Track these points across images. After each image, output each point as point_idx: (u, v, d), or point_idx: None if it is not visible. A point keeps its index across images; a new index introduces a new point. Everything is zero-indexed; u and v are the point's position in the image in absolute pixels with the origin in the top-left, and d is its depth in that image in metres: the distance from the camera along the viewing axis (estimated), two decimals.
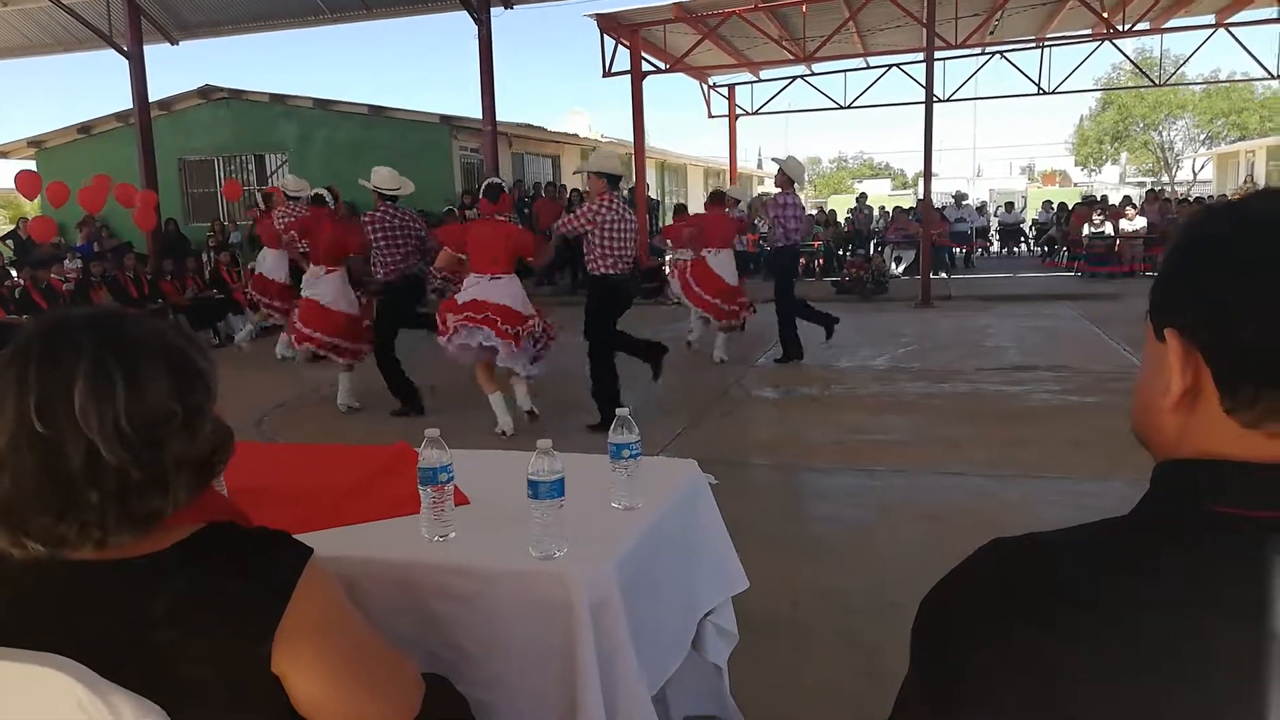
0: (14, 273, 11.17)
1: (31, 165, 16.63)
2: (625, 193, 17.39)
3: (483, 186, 6.21)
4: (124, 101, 14.26)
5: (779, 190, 8.29)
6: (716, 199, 8.90)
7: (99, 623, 1.02)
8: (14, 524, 0.98)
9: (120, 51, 13.83)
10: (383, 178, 6.48)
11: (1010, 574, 0.69)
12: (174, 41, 15.02)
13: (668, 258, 9.23)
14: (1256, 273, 0.64)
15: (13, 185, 12.04)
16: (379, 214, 6.44)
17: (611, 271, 5.76)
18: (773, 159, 8.54)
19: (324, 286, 6.71)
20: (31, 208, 15.88)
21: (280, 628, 1.03)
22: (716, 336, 8.64)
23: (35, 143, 18.02)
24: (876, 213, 19.60)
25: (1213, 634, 0.60)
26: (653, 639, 1.70)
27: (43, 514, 0.97)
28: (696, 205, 18.55)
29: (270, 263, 9.23)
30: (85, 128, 17.68)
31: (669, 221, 21.24)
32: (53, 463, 0.97)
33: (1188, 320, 0.68)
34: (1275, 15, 15.16)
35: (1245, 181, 24.97)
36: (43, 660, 0.98)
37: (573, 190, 16.23)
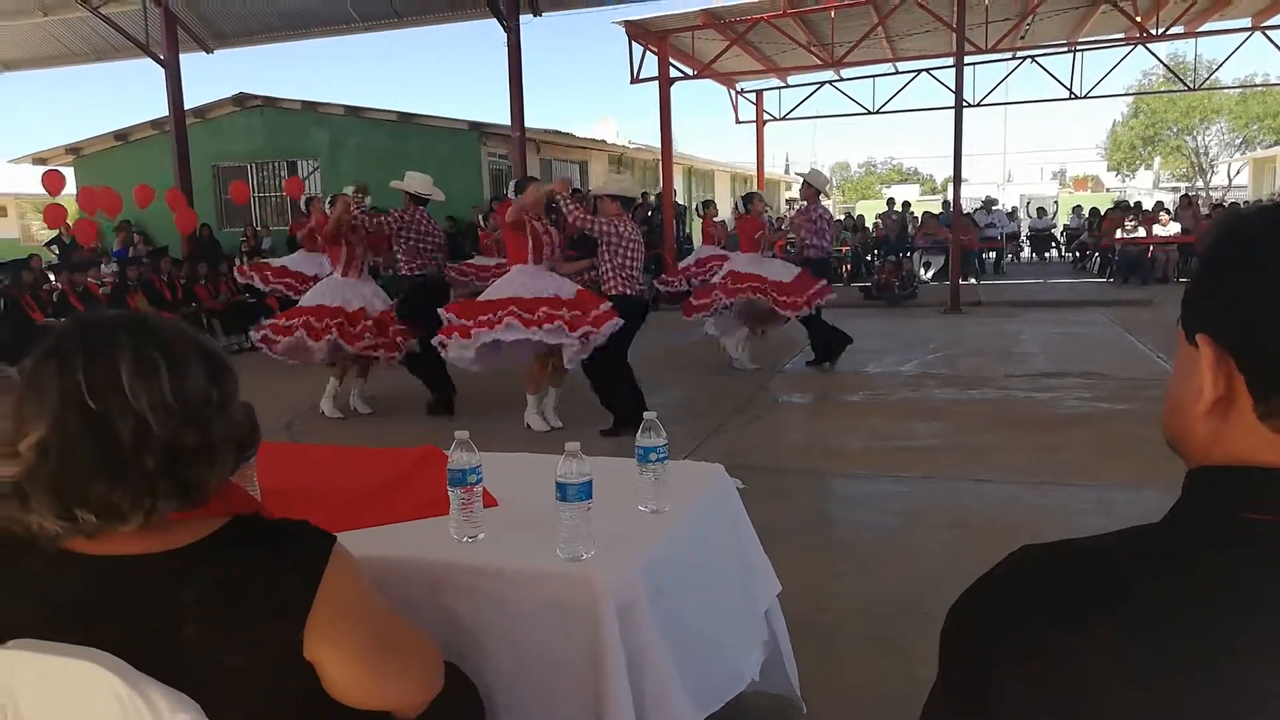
0: (52, 277, 11.38)
1: (70, 172, 16.95)
2: (653, 199, 17.49)
3: (514, 184, 6.34)
4: (160, 109, 14.50)
5: (805, 203, 8.30)
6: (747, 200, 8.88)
7: (131, 617, 1.04)
8: (67, 496, 1.01)
9: (157, 60, 14.06)
10: (418, 182, 6.71)
11: (1040, 580, 0.69)
12: (209, 50, 15.24)
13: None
14: None
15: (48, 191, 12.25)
16: (408, 215, 6.63)
17: (628, 291, 5.90)
18: (797, 173, 8.54)
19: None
20: (72, 213, 16.16)
21: (311, 613, 1.06)
22: (738, 338, 8.55)
23: (73, 150, 18.34)
24: (910, 218, 19.40)
25: (1249, 639, 0.59)
26: (688, 642, 1.70)
27: (98, 483, 1.01)
28: (723, 210, 18.54)
29: (299, 260, 9.45)
30: (122, 135, 17.97)
31: (697, 226, 21.29)
32: (105, 437, 1.01)
33: (1220, 326, 0.67)
34: None
35: None
36: (81, 654, 1.00)
37: (643, 195, 16.26)
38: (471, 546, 1.70)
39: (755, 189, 17.39)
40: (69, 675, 1.00)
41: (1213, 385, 0.68)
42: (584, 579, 1.56)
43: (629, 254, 5.85)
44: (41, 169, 19.22)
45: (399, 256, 6.76)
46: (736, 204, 9.79)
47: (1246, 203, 19.59)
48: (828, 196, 8.47)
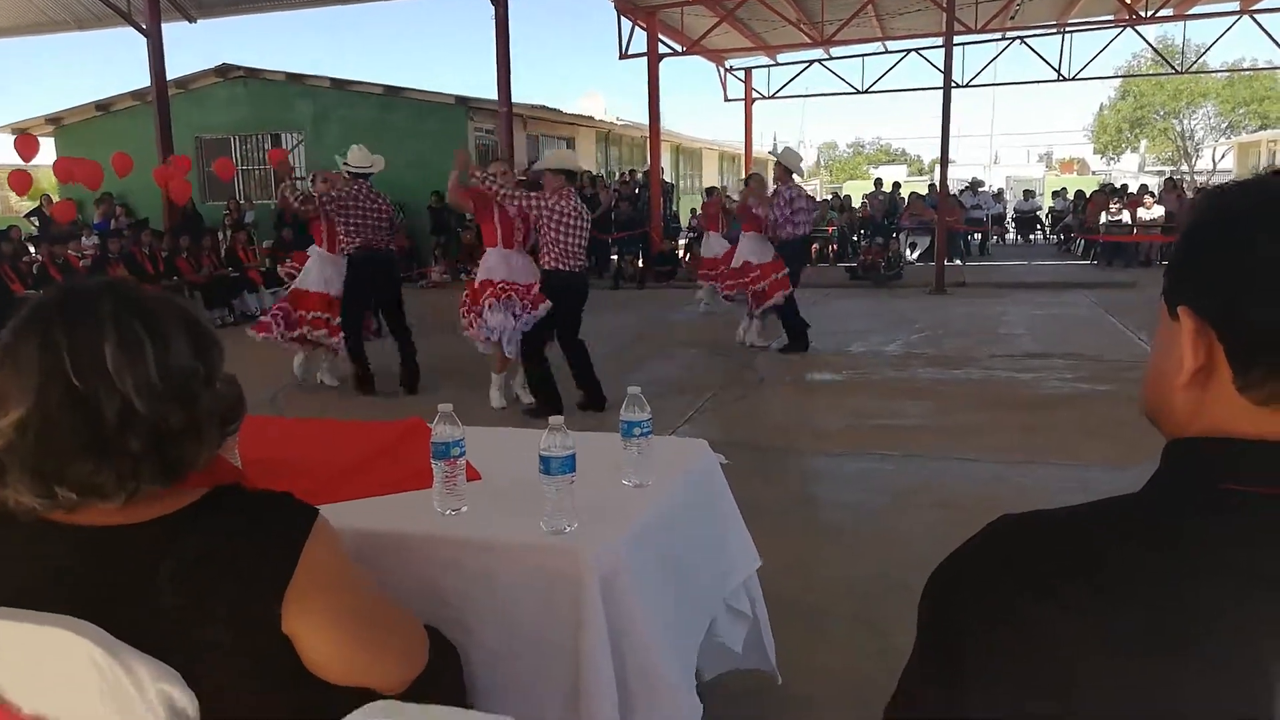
0: (32, 249, 11.25)
1: (50, 142, 16.73)
2: (640, 176, 17.42)
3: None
4: (142, 79, 14.28)
5: (778, 184, 8.05)
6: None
7: (111, 587, 1.04)
8: (47, 474, 1.00)
9: (139, 29, 13.84)
10: (355, 156, 6.68)
11: (1014, 548, 0.69)
12: (192, 20, 15.01)
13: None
14: (1269, 253, 0.63)
15: (34, 163, 12.06)
16: (347, 190, 6.58)
17: (561, 267, 5.64)
18: (769, 153, 8.37)
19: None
20: (49, 185, 15.92)
21: (290, 586, 1.05)
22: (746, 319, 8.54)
23: (54, 120, 18.09)
24: (899, 196, 19.36)
25: (1230, 610, 0.59)
26: (671, 616, 1.71)
27: (81, 462, 1.00)
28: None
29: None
30: (103, 105, 17.74)
31: (690, 205, 21.19)
32: (89, 416, 1.00)
33: (1202, 298, 0.67)
34: None
35: (1267, 170, 24.66)
36: (58, 622, 1.00)
37: (584, 172, 16.20)
38: (455, 519, 1.70)
39: (743, 169, 17.30)
40: (48, 643, 0.99)
41: (1193, 356, 0.68)
42: (567, 552, 1.56)
43: (568, 230, 5.61)
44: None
45: (340, 235, 6.70)
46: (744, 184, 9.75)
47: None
48: (801, 176, 8.29)
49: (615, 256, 15.16)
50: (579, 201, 5.74)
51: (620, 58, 15.57)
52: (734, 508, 2.13)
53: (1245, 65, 30.39)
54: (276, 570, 1.06)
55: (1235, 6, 16.23)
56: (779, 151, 8.29)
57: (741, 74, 20.65)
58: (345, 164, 6.68)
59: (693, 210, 18.95)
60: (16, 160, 11.33)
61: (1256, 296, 0.64)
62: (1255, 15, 15.82)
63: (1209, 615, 0.60)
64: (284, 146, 17.30)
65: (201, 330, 1.10)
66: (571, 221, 5.61)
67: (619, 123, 22.76)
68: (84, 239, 12.34)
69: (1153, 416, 0.76)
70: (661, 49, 15.66)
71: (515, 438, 2.17)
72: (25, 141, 11.70)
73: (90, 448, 1.00)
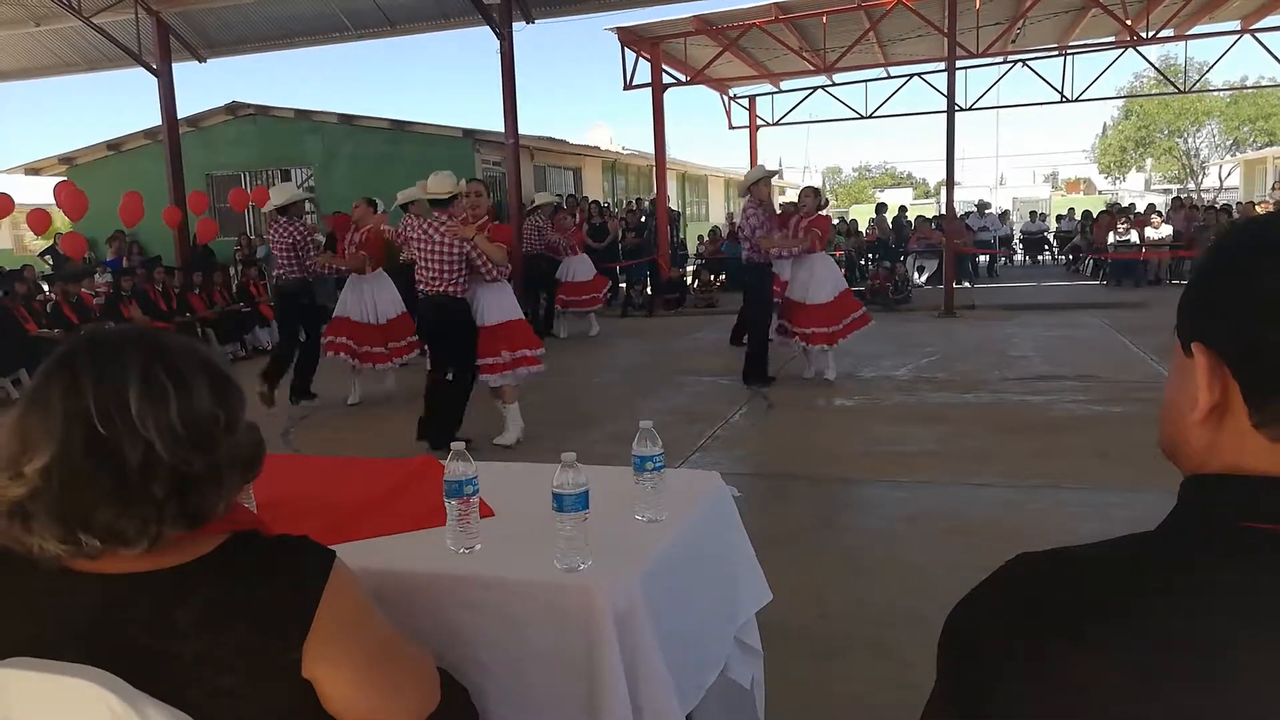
0: (46, 287, 11.36)
1: (65, 180, 16.91)
2: (647, 204, 17.50)
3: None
4: (153, 118, 14.46)
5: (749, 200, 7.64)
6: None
7: (128, 635, 1.04)
8: (71, 521, 1.01)
9: (149, 70, 14.05)
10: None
11: (1038, 588, 0.69)
12: (202, 59, 15.24)
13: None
14: (1277, 291, 0.64)
15: (49, 201, 12.22)
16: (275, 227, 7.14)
17: (423, 289, 5.77)
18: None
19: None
20: (63, 223, 16.09)
21: (310, 632, 1.05)
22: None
23: (66, 159, 18.32)
24: (905, 219, 19.35)
25: (1249, 648, 0.59)
26: (683, 654, 1.70)
27: (105, 509, 1.01)
28: (717, 215, 18.53)
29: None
30: (115, 144, 17.96)
31: (698, 232, 21.22)
32: (112, 463, 1.00)
33: (1215, 334, 0.68)
34: None
35: (1274, 187, 24.64)
36: (78, 672, 1.00)
37: (593, 201, 16.30)
38: (468, 557, 1.70)
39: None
40: (65, 693, 0.99)
41: (1208, 393, 0.68)
42: (582, 589, 1.56)
43: (421, 253, 5.69)
44: (34, 179, 19.23)
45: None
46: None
47: (1239, 204, 19.65)
48: (768, 194, 7.63)
49: (624, 285, 15.21)
50: (433, 227, 5.69)
51: (625, 88, 15.69)
52: (745, 541, 2.12)
53: (1248, 83, 30.46)
54: (296, 616, 1.06)
55: (1236, 26, 16.30)
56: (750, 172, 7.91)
57: (746, 102, 20.79)
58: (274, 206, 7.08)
59: (700, 237, 19.01)
60: (29, 199, 11.46)
61: (1269, 333, 0.64)
62: (1256, 34, 15.88)
63: (1236, 656, 0.59)
64: (294, 181, 17.47)
65: (223, 377, 1.11)
66: (421, 248, 5.71)
67: (625, 152, 22.93)
68: (97, 276, 12.44)
69: (1170, 453, 0.76)
70: (666, 79, 15.79)
71: (528, 473, 2.17)
72: (69, 193, 11.89)
73: (114, 494, 1.00)
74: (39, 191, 19.09)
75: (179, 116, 14.63)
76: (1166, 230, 15.72)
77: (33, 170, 19.04)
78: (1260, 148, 33.49)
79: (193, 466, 1.04)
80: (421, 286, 5.75)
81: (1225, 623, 0.60)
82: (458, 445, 1.74)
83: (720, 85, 19.17)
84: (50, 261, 14.82)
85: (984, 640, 0.69)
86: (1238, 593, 0.61)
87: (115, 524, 1.01)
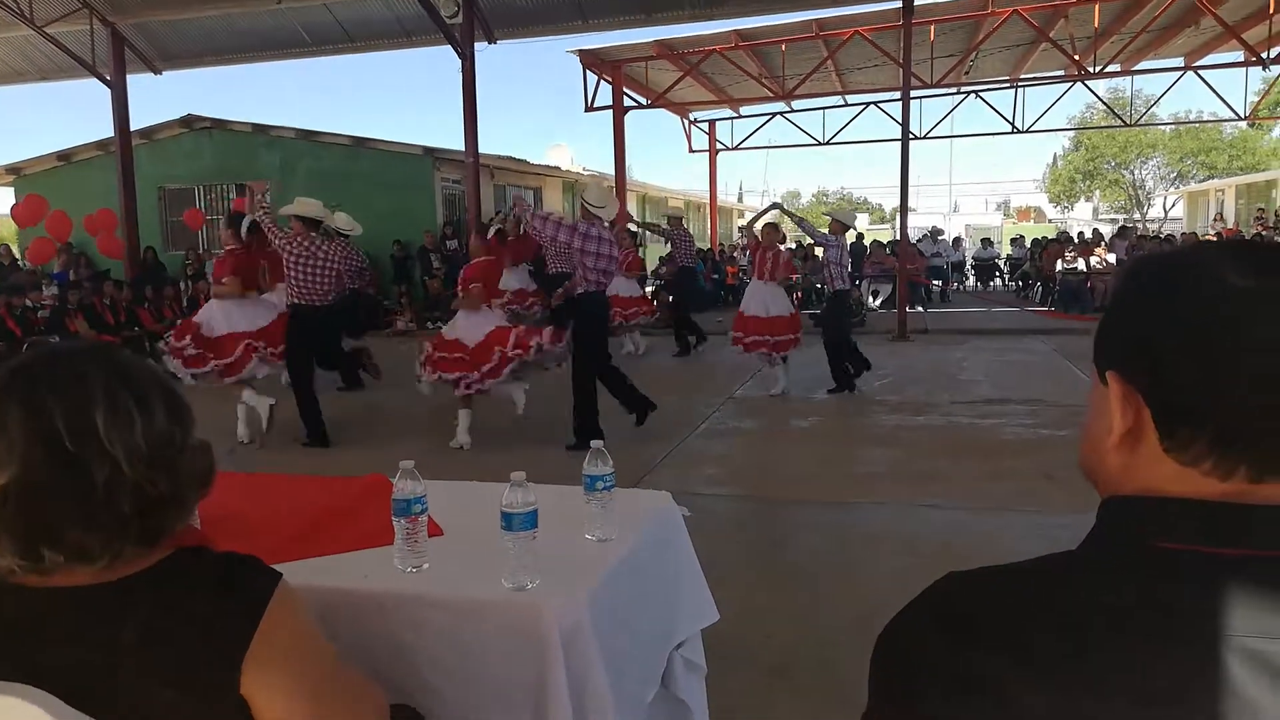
0: None
1: (9, 192, 16.55)
2: (607, 225, 17.56)
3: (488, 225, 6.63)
4: (106, 129, 14.23)
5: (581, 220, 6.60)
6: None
7: (67, 650, 1.02)
8: (36, 538, 1.00)
9: (103, 81, 13.83)
10: (591, 194, 6.52)
11: (963, 605, 0.71)
12: (157, 71, 15.04)
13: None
14: (1184, 322, 0.67)
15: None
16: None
17: (300, 301, 6.41)
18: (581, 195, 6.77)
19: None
20: (9, 234, 15.70)
21: (250, 650, 1.04)
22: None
23: (14, 170, 17.91)
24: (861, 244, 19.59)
25: (1164, 666, 0.61)
26: (626, 671, 1.71)
27: (73, 527, 1.01)
28: None
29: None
30: (65, 155, 17.60)
31: (658, 253, 21.34)
32: (80, 481, 1.01)
33: (1126, 363, 0.71)
34: (1241, 59, 15.55)
35: (1215, 218, 25.44)
36: (12, 690, 0.98)
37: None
38: (416, 577, 1.69)
39: (711, 217, 17.47)
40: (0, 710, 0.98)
41: (1121, 420, 0.71)
42: (530, 608, 1.56)
43: (308, 267, 6.34)
44: None
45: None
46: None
47: (1182, 234, 20.22)
48: (609, 216, 6.58)
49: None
50: (315, 244, 6.45)
51: (586, 110, 15.80)
52: (694, 561, 2.14)
53: (1191, 117, 31.48)
54: (236, 633, 1.05)
55: (1180, 62, 16.87)
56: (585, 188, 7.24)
57: (706, 126, 21.02)
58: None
59: (660, 259, 19.09)
60: None
61: (1174, 362, 0.67)
62: (1199, 71, 16.44)
63: (1152, 673, 0.61)
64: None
65: (177, 396, 1.12)
66: (306, 264, 6.35)
67: (586, 173, 22.99)
68: (43, 289, 12.16)
69: (1089, 475, 0.79)
70: (627, 102, 15.92)
71: (477, 491, 2.17)
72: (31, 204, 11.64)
73: (80, 512, 1.00)
74: None
75: (133, 128, 14.41)
76: (1111, 258, 16.14)
77: None
78: (1202, 180, 34.56)
79: (157, 485, 1.04)
80: (304, 299, 6.38)
81: (1149, 644, 0.62)
82: (406, 464, 1.74)
83: (681, 109, 19.36)
84: None
85: (911, 657, 0.71)
86: (1154, 611, 0.64)
87: (81, 541, 1.01)
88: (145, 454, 1.03)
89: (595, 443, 1.90)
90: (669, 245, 12.55)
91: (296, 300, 6.45)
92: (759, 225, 9.01)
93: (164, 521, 1.06)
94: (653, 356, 11.10)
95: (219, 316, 6.94)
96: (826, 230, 8.50)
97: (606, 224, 6.40)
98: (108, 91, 13.86)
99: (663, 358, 11.01)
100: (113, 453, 1.01)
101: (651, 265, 19.79)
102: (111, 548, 1.02)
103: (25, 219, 11.95)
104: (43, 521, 1.00)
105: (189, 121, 17.01)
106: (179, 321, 7.88)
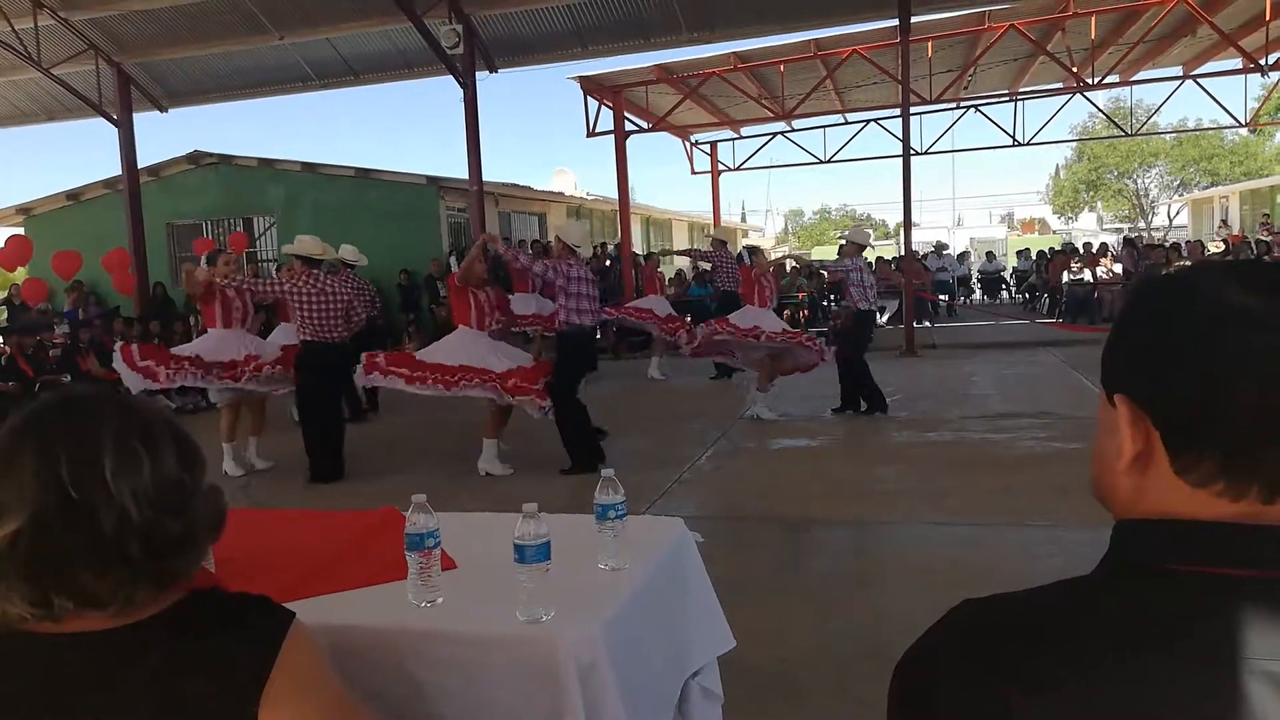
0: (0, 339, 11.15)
1: (20, 232, 16.70)
2: (612, 248, 17.62)
3: (453, 257, 6.72)
4: (113, 168, 14.39)
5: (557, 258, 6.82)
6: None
7: (83, 695, 1.02)
8: (46, 584, 1.00)
9: (110, 120, 13.99)
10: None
11: (979, 633, 0.70)
12: (163, 109, 15.20)
13: None
14: (1187, 344, 0.67)
15: None
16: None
17: (313, 338, 6.45)
18: (556, 231, 7.20)
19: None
20: (20, 275, 15.81)
21: (265, 692, 1.04)
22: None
23: (24, 210, 18.08)
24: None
25: (1184, 690, 0.61)
26: (642, 702, 1.70)
27: (82, 573, 1.01)
28: (682, 259, 18.67)
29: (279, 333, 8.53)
30: (74, 194, 17.76)
31: (666, 275, 21.40)
32: (88, 527, 1.01)
33: (1135, 385, 0.70)
34: (1239, 66, 15.58)
35: (1220, 225, 25.39)
36: None
37: (548, 241, 16.40)
38: (430, 611, 1.69)
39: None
40: None
41: (1131, 442, 0.70)
42: (544, 640, 1.56)
43: (318, 304, 6.41)
44: None
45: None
46: (741, 255, 10.02)
47: (1187, 242, 20.17)
48: (586, 249, 6.84)
49: None
50: (324, 280, 6.53)
51: (588, 135, 15.88)
52: (708, 587, 2.13)
53: (1191, 125, 31.53)
54: (251, 675, 1.05)
55: (1178, 71, 16.90)
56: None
57: (707, 147, 21.12)
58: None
59: (666, 281, 19.15)
60: None
61: (1179, 384, 0.67)
62: (1198, 79, 16.47)
63: (1162, 695, 0.61)
64: (256, 230, 17.38)
65: (189, 443, 1.13)
66: (317, 301, 6.41)
67: (589, 197, 23.11)
68: (55, 328, 12.24)
69: (1100, 498, 0.79)
70: (628, 126, 16.01)
71: (490, 523, 2.17)
72: (17, 246, 11.72)
73: (89, 558, 1.01)
74: None
75: (140, 166, 14.55)
76: (1118, 268, 16.11)
77: None
78: (1205, 187, 34.53)
79: (167, 529, 1.05)
80: (319, 335, 6.45)
81: (1164, 667, 0.62)
82: (419, 498, 1.74)
83: (682, 131, 19.46)
84: (5, 312, 14.56)
85: (928, 687, 0.70)
86: (1171, 635, 0.63)
87: (92, 587, 1.01)
88: (154, 498, 1.04)
89: (606, 471, 1.90)
90: (710, 267, 12.42)
91: (309, 338, 6.46)
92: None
93: (177, 564, 1.07)
94: (657, 384, 11.10)
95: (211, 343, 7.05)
96: (839, 254, 8.58)
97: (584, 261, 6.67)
98: (115, 130, 14.01)
99: (672, 378, 11.00)
100: (120, 499, 1.02)
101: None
102: (123, 592, 1.02)
103: (11, 261, 12.03)
104: (52, 567, 1.00)
105: (195, 157, 17.18)
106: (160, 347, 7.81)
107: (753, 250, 9.48)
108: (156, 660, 1.03)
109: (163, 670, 1.03)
